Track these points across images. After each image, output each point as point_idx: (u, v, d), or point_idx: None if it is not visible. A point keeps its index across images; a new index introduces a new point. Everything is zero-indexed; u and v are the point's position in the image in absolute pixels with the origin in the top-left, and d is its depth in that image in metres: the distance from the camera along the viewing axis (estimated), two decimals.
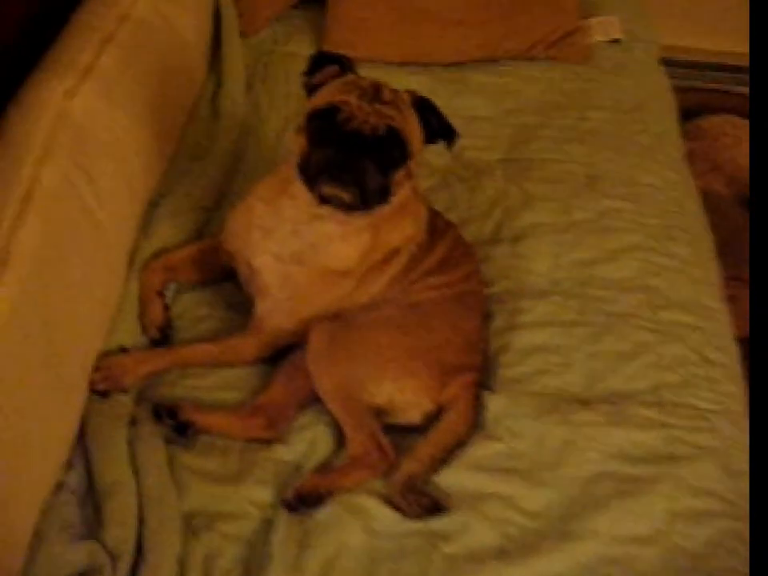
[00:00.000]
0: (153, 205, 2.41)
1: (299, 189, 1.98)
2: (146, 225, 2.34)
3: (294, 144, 1.99)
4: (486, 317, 2.19)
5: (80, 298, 1.97)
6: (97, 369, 2.04)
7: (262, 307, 2.12)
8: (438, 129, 2.01)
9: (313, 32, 3.10)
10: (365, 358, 2.01)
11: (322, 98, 1.95)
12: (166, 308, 2.22)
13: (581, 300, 2.31)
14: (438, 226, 2.23)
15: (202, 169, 2.56)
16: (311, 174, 1.90)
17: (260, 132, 2.78)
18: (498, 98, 3.01)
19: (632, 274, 2.37)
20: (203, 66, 2.90)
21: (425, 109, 1.99)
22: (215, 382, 2.12)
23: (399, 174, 1.94)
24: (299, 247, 2.06)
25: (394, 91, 1.96)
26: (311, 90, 2.02)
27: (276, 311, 2.11)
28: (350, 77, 1.99)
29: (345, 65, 2.01)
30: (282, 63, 3.05)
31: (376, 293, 2.12)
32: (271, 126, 2.81)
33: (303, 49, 3.05)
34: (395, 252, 2.12)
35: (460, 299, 2.16)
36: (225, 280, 2.34)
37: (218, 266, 2.30)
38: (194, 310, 2.28)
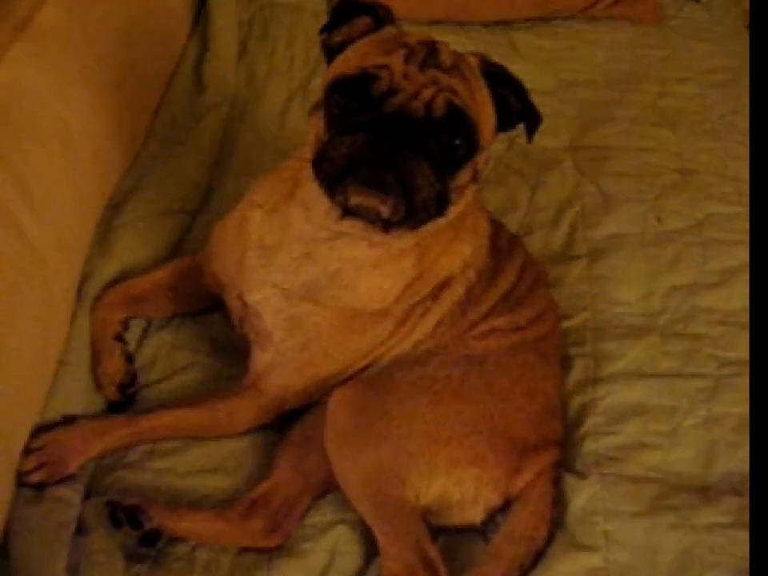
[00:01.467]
0: (113, 208, 1.80)
1: (313, 194, 1.38)
2: (101, 238, 1.74)
3: (308, 129, 1.39)
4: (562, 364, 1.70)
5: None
6: (29, 451, 1.46)
7: (262, 359, 1.54)
8: (518, 110, 1.41)
9: None
10: (406, 437, 1.45)
11: (349, 61, 1.34)
12: (129, 357, 1.63)
13: (685, 341, 1.80)
14: (501, 245, 1.64)
15: (180, 158, 1.96)
16: (332, 173, 1.29)
17: (257, 110, 2.18)
18: (555, 66, 2.46)
19: (748, 303, 1.85)
20: (184, 23, 2.27)
21: (500, 80, 1.39)
22: (196, 463, 1.56)
23: (462, 175, 1.34)
24: (314, 277, 1.47)
25: (456, 53, 1.36)
26: (333, 52, 1.40)
27: (281, 366, 1.53)
28: (389, 31, 1.38)
29: (381, 15, 1.40)
30: (285, 18, 2.47)
31: (420, 340, 1.55)
32: (271, 101, 2.22)
33: (309, 1, 2.43)
34: (447, 283, 1.55)
35: (534, 348, 1.59)
36: (210, 311, 1.73)
37: (200, 293, 1.73)
38: (168, 355, 1.69)
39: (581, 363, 1.74)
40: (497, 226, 1.66)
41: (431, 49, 1.32)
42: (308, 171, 1.37)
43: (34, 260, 1.47)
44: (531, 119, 1.42)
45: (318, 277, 1.47)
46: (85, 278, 1.66)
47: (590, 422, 1.65)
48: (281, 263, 1.48)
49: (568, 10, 2.60)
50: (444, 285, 1.53)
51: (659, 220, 1.99)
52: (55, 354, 1.55)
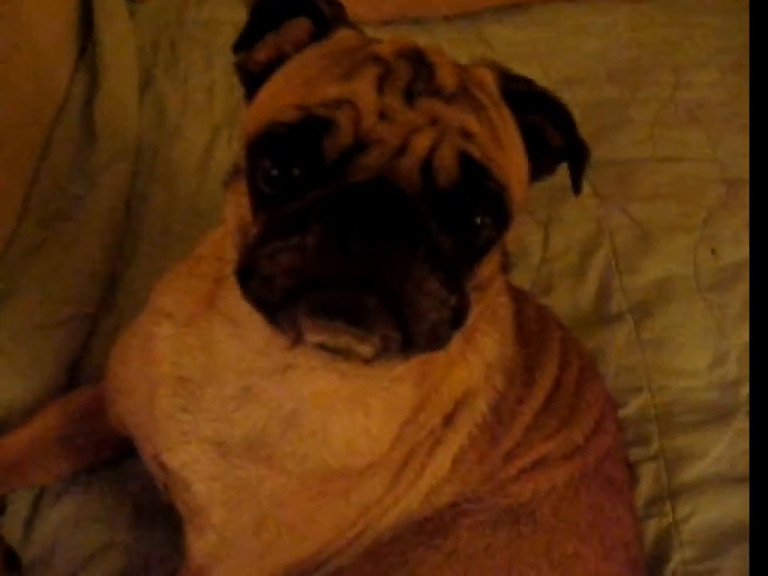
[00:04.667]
0: None
1: (243, 308, 0.83)
2: None
3: (225, 208, 0.86)
4: None
5: None
6: None
7: (199, 548, 1.04)
8: (557, 144, 0.91)
9: None
10: None
11: (283, 96, 0.80)
12: (9, 558, 1.10)
13: None
14: (529, 325, 1.14)
15: (68, 242, 1.43)
16: (270, 297, 0.75)
17: (171, 158, 1.66)
18: (541, 62, 1.97)
19: None
20: (65, 53, 1.73)
21: (529, 103, 0.88)
22: None
23: (486, 265, 0.83)
24: (260, 424, 0.96)
25: (460, 67, 0.84)
26: (256, 80, 0.87)
27: (229, 557, 1.03)
28: (343, 37, 0.85)
29: (325, 14, 0.86)
30: (198, 36, 1.94)
31: (433, 488, 1.05)
32: (189, 145, 1.70)
33: (229, 12, 1.92)
34: (463, 402, 1.03)
35: (598, 475, 1.11)
36: (127, 454, 1.21)
37: (106, 438, 1.21)
38: (73, 537, 1.18)
39: (649, 470, 1.30)
40: (517, 296, 1.16)
41: (419, 61, 0.79)
42: (230, 276, 0.84)
43: None
44: (576, 156, 0.91)
45: (265, 424, 0.95)
46: None
47: (677, 558, 1.19)
48: (209, 405, 0.96)
49: None
50: (459, 406, 1.04)
51: (714, 252, 1.52)
52: None
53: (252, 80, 0.86)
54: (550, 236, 1.54)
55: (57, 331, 1.31)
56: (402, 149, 0.73)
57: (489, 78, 0.85)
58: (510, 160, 0.82)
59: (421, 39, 1.94)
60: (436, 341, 0.77)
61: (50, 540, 1.16)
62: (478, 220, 0.77)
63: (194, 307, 0.97)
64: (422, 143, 0.73)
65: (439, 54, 0.82)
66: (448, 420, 1.03)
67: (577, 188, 0.92)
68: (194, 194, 1.59)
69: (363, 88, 0.75)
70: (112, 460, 1.24)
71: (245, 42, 0.86)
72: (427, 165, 0.73)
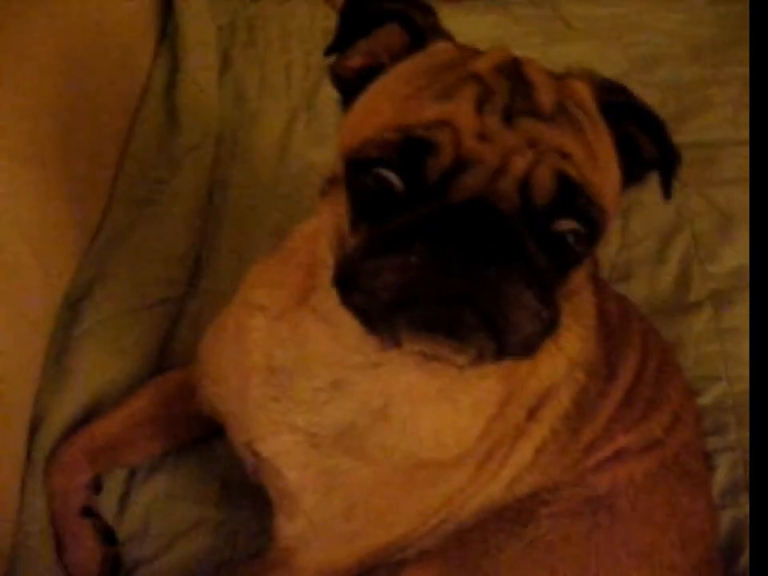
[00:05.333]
0: (70, 309, 1.32)
1: (337, 309, 0.86)
2: (55, 360, 1.25)
3: (320, 213, 0.90)
4: None
5: None
6: None
7: (289, 530, 1.08)
8: (651, 154, 0.90)
9: None
10: None
11: (382, 112, 0.81)
12: (106, 533, 1.16)
13: None
14: (611, 317, 1.15)
15: (154, 225, 1.48)
16: (373, 309, 0.79)
17: (251, 141, 1.68)
18: (622, 40, 1.95)
19: None
20: (147, 40, 1.76)
21: (623, 113, 0.88)
22: None
23: (577, 275, 0.84)
24: (350, 417, 0.99)
25: (557, 81, 0.84)
26: (351, 86, 0.88)
27: (319, 539, 1.07)
28: (439, 50, 0.86)
29: (418, 23, 0.86)
30: (274, 15, 1.97)
31: (515, 477, 1.07)
32: (268, 127, 1.73)
33: None
34: (547, 396, 1.05)
35: (676, 468, 1.12)
36: (216, 434, 1.25)
37: (195, 419, 1.25)
38: (164, 514, 1.24)
39: (725, 460, 1.29)
40: (599, 288, 1.17)
41: (517, 78, 0.80)
42: (324, 275, 0.89)
43: None
44: (668, 163, 0.91)
45: (355, 416, 0.99)
46: (36, 425, 1.19)
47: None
48: (300, 396, 1.00)
49: None
50: (544, 398, 1.05)
51: None
52: (3, 547, 1.09)
53: (347, 87, 0.88)
54: (629, 222, 1.53)
55: (145, 314, 1.35)
56: (501, 169, 0.75)
57: (585, 92, 0.85)
58: (605, 176, 0.83)
59: (498, 18, 1.96)
60: (528, 349, 0.80)
61: (143, 516, 1.21)
62: (572, 237, 0.79)
63: (286, 301, 1.00)
64: (520, 164, 0.75)
65: (536, 67, 0.82)
66: (532, 413, 1.05)
67: (668, 194, 0.92)
68: (275, 176, 1.62)
69: (463, 109, 0.76)
70: (200, 440, 1.28)
71: (336, 47, 0.87)
72: (525, 185, 0.75)
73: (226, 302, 1.13)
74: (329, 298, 0.88)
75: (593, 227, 0.79)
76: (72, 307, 1.34)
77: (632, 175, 0.90)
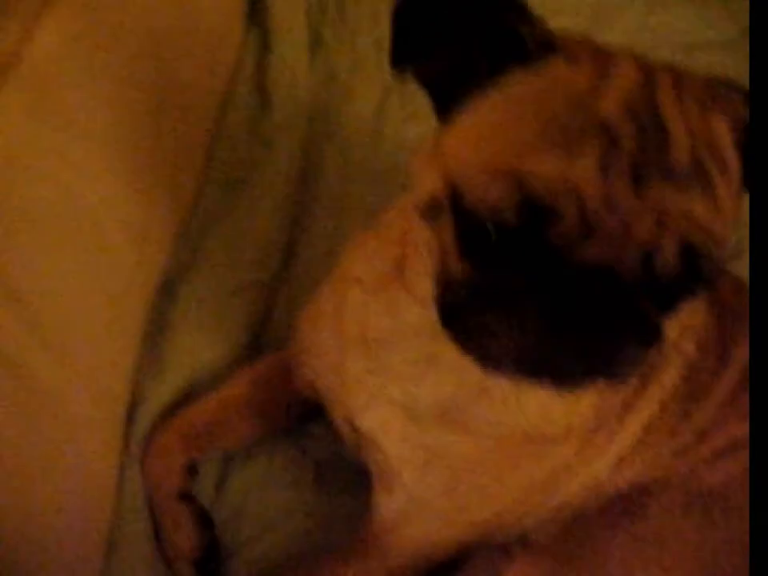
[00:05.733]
0: (164, 293, 1.32)
1: (426, 289, 0.83)
2: (152, 342, 1.25)
3: (425, 233, 0.81)
4: None
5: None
6: None
7: (389, 505, 1.07)
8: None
9: None
10: None
11: (494, 144, 0.72)
12: (203, 518, 1.16)
13: None
14: (723, 294, 1.07)
15: (248, 206, 1.46)
16: (477, 345, 0.75)
17: (343, 120, 1.65)
18: (728, 7, 1.81)
19: None
20: (236, 19, 1.75)
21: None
22: None
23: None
24: (451, 391, 0.95)
25: (696, 118, 0.72)
26: (441, 89, 0.78)
27: (418, 515, 1.05)
28: (554, 72, 0.72)
29: (526, 40, 0.74)
30: None
31: (622, 457, 1.02)
32: (361, 104, 1.69)
33: None
34: (654, 369, 1.00)
35: None
36: (312, 418, 1.23)
37: (292, 403, 1.25)
38: (261, 500, 1.24)
39: None
40: None
41: (650, 123, 0.69)
42: (414, 260, 0.88)
43: (48, 400, 1.02)
44: None
45: (454, 390, 0.95)
46: (133, 409, 1.19)
47: None
48: (396, 368, 0.97)
49: None
50: (650, 371, 0.99)
51: None
52: (102, 531, 1.10)
53: (437, 89, 0.78)
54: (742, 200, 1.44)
55: (241, 296, 1.34)
56: (624, 236, 0.68)
57: (726, 138, 0.73)
58: (727, 219, 0.73)
59: None
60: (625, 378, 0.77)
61: (239, 502, 1.21)
62: (688, 294, 0.74)
63: (381, 275, 0.97)
64: (644, 234, 0.68)
65: (672, 99, 0.71)
66: (639, 388, 1.00)
67: None
68: (369, 156, 1.58)
69: (588, 172, 0.67)
70: (296, 424, 1.27)
71: (401, 60, 0.76)
72: (649, 255, 0.69)
73: (321, 283, 1.11)
74: (419, 282, 0.87)
75: (709, 276, 0.73)
76: (167, 290, 1.34)
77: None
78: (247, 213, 1.44)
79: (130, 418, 1.19)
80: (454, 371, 0.93)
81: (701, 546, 0.97)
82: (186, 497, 1.16)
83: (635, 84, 0.70)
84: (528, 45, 0.73)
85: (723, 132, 0.73)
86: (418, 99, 1.66)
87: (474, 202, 0.70)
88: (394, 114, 1.66)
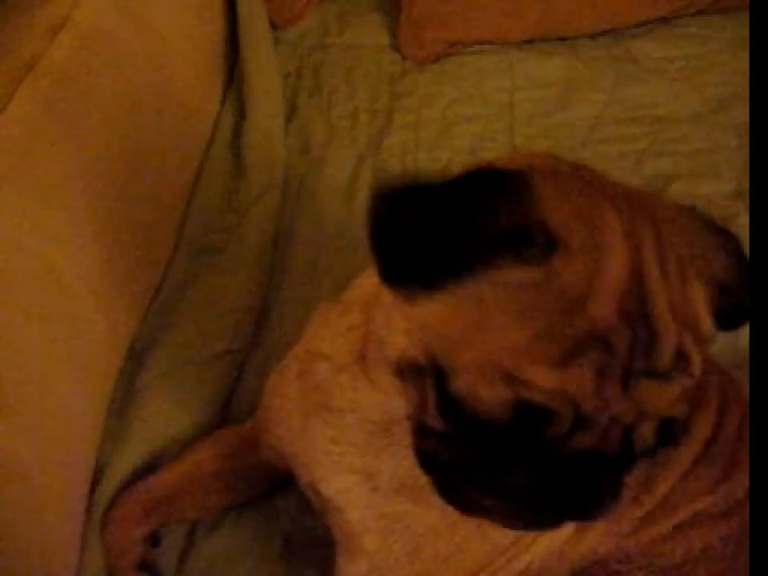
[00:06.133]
0: (134, 361, 1.32)
1: (388, 381, 0.85)
2: (119, 411, 1.25)
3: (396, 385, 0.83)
4: None
5: None
6: None
7: (350, 570, 1.05)
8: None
9: (381, 8, 2.06)
10: None
11: (484, 339, 0.71)
12: None
13: None
14: None
15: (221, 274, 1.47)
16: (456, 491, 0.81)
17: (317, 189, 1.68)
18: (696, 80, 1.88)
19: None
20: (214, 88, 1.78)
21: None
22: None
23: None
24: (408, 464, 0.93)
25: (680, 290, 0.74)
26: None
27: None
28: (551, 270, 0.70)
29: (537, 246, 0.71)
30: (339, 60, 1.97)
31: (584, 527, 1.01)
32: (334, 174, 1.71)
33: (371, 36, 1.95)
34: None
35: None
36: (277, 489, 1.23)
37: (258, 473, 1.24)
38: (224, 571, 1.21)
39: None
40: None
41: (641, 322, 0.70)
42: (374, 350, 0.88)
43: (12, 478, 1.01)
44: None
45: (412, 464, 0.95)
46: (96, 481, 1.19)
47: None
48: (357, 439, 0.98)
49: (696, 3, 2.01)
50: None
51: None
52: None
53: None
54: None
55: (210, 366, 1.33)
56: (609, 427, 0.72)
57: (703, 308, 0.76)
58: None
59: (566, 60, 1.91)
60: None
61: (204, 572, 1.19)
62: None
63: (346, 355, 0.97)
64: (628, 421, 0.73)
65: (660, 282, 0.72)
66: None
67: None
68: (341, 226, 1.60)
69: (584, 382, 0.69)
70: (263, 495, 1.26)
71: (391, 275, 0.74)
72: (627, 438, 0.74)
73: (287, 353, 1.12)
74: (379, 372, 0.87)
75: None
76: (136, 358, 1.34)
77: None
78: (218, 281, 1.45)
79: (94, 487, 1.18)
80: (410, 447, 0.94)
81: None
82: (147, 567, 1.15)
83: (626, 277, 0.70)
84: (535, 241, 0.69)
85: (701, 304, 0.75)
86: (392, 169, 1.71)
87: (463, 390, 0.71)
88: (366, 183, 1.69)
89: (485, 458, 0.74)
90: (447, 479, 0.78)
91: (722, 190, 1.61)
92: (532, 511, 0.76)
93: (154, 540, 1.18)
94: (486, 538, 1.00)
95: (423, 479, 0.94)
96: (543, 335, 0.68)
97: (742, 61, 1.91)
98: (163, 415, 1.26)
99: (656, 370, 0.71)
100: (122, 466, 1.20)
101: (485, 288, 0.70)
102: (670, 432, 0.75)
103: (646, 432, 0.73)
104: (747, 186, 1.61)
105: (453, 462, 0.76)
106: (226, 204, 1.58)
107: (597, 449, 0.72)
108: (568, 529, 1.02)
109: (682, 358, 0.72)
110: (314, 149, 1.76)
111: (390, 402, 0.88)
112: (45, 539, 1.05)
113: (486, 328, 0.70)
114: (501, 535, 1.00)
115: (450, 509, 0.93)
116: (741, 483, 1.05)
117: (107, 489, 1.18)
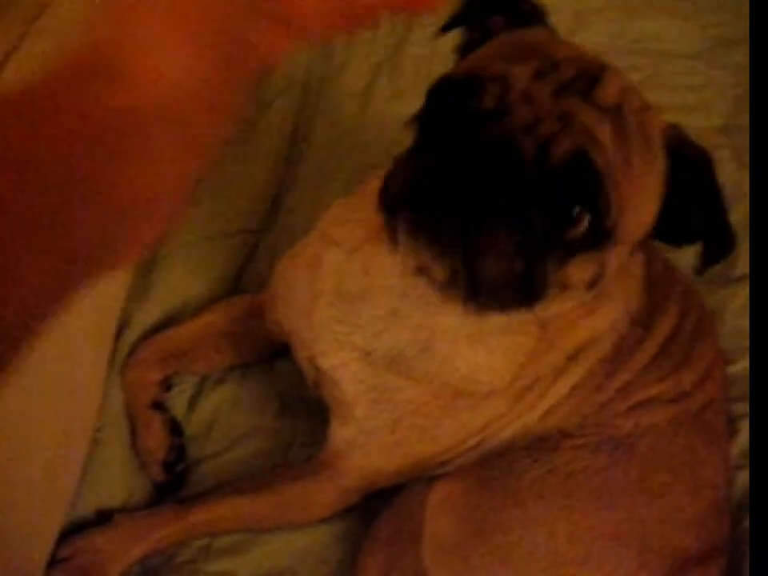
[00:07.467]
0: None
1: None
2: (143, 275, 1.40)
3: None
4: None
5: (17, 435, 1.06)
6: (56, 561, 1.17)
7: (341, 434, 1.22)
8: (699, 224, 0.96)
9: None
10: (529, 556, 1.11)
11: (468, 63, 0.97)
12: (173, 427, 1.32)
13: None
14: (656, 275, 1.23)
15: (243, 161, 1.60)
16: (388, 201, 0.91)
17: (335, 93, 1.80)
18: (701, 20, 1.96)
19: None
20: None
21: (687, 168, 0.93)
22: (262, 564, 1.26)
23: (575, 269, 0.91)
24: (400, 344, 1.10)
25: (635, 98, 0.90)
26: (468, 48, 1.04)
27: (365, 445, 1.20)
28: (535, 34, 0.96)
29: (519, 13, 1.01)
30: None
31: (550, 409, 1.17)
32: (353, 79, 1.83)
33: None
34: (587, 346, 1.15)
35: (698, 421, 1.20)
36: (277, 355, 1.39)
37: (262, 340, 1.39)
38: (228, 419, 1.38)
39: (748, 425, 1.34)
40: (647, 248, 1.25)
41: (591, 75, 0.88)
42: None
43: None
44: (716, 243, 0.97)
45: (404, 345, 1.10)
46: (120, 329, 1.34)
47: None
48: (363, 320, 1.11)
49: None
50: (579, 350, 1.15)
51: None
52: (86, 431, 1.24)
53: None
54: None
55: (225, 242, 1.48)
56: (530, 127, 0.84)
57: (657, 123, 0.90)
58: (636, 193, 0.88)
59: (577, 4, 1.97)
60: (497, 298, 0.89)
61: (209, 418, 1.36)
62: (575, 211, 0.85)
63: (361, 236, 1.11)
64: (547, 128, 0.84)
65: (618, 75, 0.90)
66: (573, 357, 1.14)
67: (701, 271, 0.99)
68: (356, 127, 1.72)
69: (521, 72, 0.86)
70: (265, 359, 1.42)
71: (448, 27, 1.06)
72: (544, 146, 0.83)
73: (301, 237, 1.25)
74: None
75: (599, 217, 0.86)
76: None
77: (677, 233, 0.97)
78: (239, 168, 1.58)
79: (118, 335, 1.33)
80: (409, 328, 1.09)
81: (604, 482, 1.13)
82: (159, 406, 1.31)
83: (589, 58, 0.91)
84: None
85: (657, 122, 0.90)
86: (406, 78, 1.82)
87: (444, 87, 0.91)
88: (382, 90, 1.80)
89: (418, 165, 0.88)
90: (384, 195, 0.91)
91: (711, 124, 1.73)
92: (429, 210, 0.85)
93: (167, 385, 1.35)
94: (458, 419, 1.16)
95: (409, 357, 1.09)
96: (508, 51, 0.92)
97: (747, 6, 2.00)
98: (182, 279, 1.41)
99: (590, 99, 0.86)
100: (144, 318, 1.35)
101: (492, 43, 0.98)
102: (581, 172, 0.84)
103: (561, 148, 0.83)
104: (734, 122, 1.72)
105: (395, 185, 0.90)
106: (251, 100, 1.70)
107: (510, 144, 0.83)
108: (536, 414, 1.17)
109: (620, 112, 0.86)
110: (335, 55, 1.87)
111: (402, 272, 1.02)
112: (76, 372, 1.20)
113: (478, 54, 0.98)
114: (472, 419, 1.16)
115: (428, 387, 1.09)
116: (689, 376, 1.21)
117: (129, 337, 1.33)
